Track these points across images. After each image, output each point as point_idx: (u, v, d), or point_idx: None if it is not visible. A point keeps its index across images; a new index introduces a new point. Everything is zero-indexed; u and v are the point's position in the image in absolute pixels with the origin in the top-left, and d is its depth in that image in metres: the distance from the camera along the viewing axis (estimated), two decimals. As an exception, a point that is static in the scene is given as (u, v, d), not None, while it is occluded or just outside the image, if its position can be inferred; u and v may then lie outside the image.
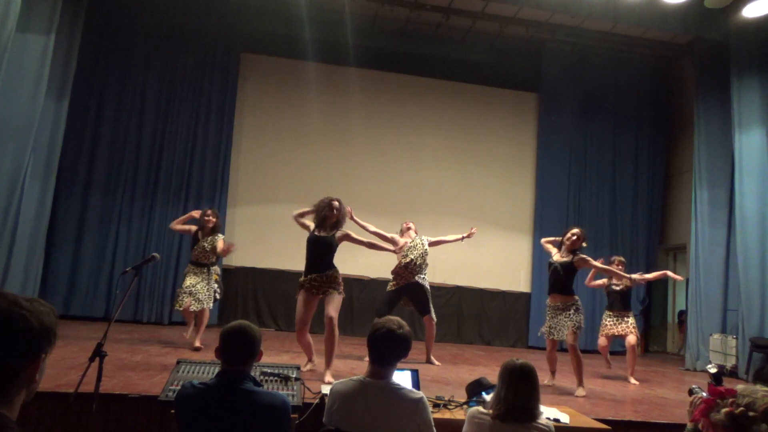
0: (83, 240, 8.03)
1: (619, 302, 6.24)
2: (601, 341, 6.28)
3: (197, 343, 5.71)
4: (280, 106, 9.09)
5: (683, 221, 9.15)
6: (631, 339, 6.02)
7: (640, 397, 5.00)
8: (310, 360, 4.91)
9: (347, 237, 4.80)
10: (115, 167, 8.26)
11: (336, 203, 4.77)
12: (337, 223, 4.79)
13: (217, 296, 6.01)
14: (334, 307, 4.66)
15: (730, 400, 1.38)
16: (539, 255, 9.21)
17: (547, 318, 5.18)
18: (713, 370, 3.83)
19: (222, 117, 8.64)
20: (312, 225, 4.82)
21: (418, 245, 6.09)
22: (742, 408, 1.34)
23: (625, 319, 6.17)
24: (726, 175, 7.94)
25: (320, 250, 4.73)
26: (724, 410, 1.36)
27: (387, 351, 2.39)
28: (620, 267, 6.16)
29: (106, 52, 8.33)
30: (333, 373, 4.47)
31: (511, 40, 9.42)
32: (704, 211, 8.15)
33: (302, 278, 4.78)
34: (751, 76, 7.44)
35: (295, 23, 8.41)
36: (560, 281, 5.05)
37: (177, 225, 6.11)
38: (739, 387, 1.45)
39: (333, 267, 4.79)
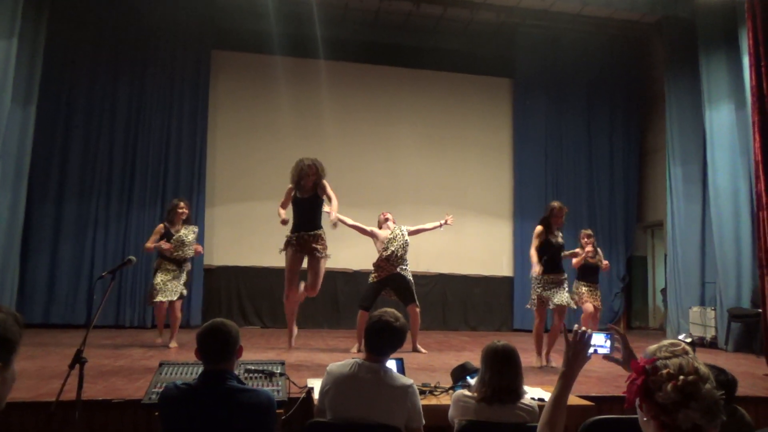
0: (60, 247, 7.90)
1: (593, 274, 6.54)
2: (588, 307, 6.29)
3: (173, 344, 5.71)
4: (254, 102, 9.02)
5: (659, 198, 9.29)
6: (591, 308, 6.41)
7: (623, 372, 5.07)
8: (291, 335, 5.05)
9: (324, 188, 5.23)
10: (88, 171, 8.12)
11: (309, 163, 5.14)
12: (317, 182, 5.11)
13: (184, 293, 5.91)
14: (319, 274, 5.14)
15: (665, 372, 1.31)
16: (521, 238, 9.29)
17: (548, 293, 5.31)
18: (687, 340, 3.92)
19: (195, 115, 8.53)
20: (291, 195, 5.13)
21: (398, 236, 6.07)
22: (682, 377, 1.29)
23: (597, 293, 6.51)
24: (698, 151, 8.07)
25: (307, 210, 5.05)
26: (668, 386, 1.29)
27: (383, 342, 2.47)
28: (587, 240, 6.38)
29: (72, 55, 8.16)
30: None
31: (483, 26, 9.43)
32: (679, 187, 8.29)
33: (289, 234, 5.05)
34: (719, 53, 7.55)
35: (264, 18, 8.32)
36: (560, 259, 5.47)
37: (150, 244, 5.93)
38: (649, 350, 1.40)
39: (320, 227, 5.11)
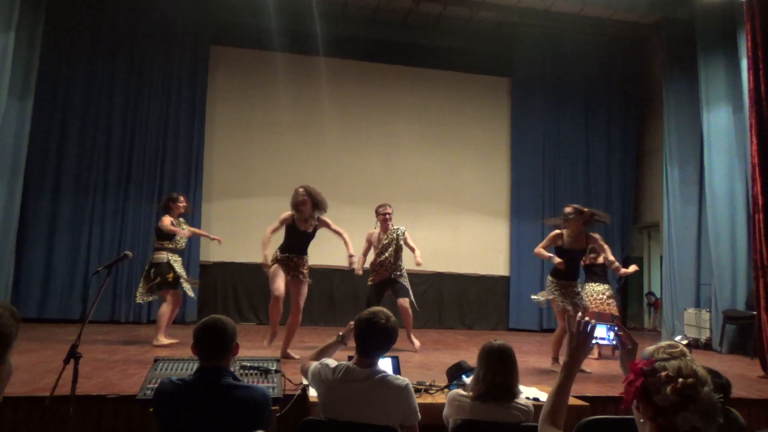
0: (55, 241, 7.87)
1: (598, 275, 6.37)
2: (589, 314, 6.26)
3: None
4: (252, 99, 8.99)
5: (656, 199, 9.31)
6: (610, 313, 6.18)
7: (617, 372, 5.09)
8: (274, 336, 5.32)
9: (325, 224, 5.34)
10: (85, 166, 8.09)
11: (301, 189, 5.17)
12: (315, 208, 5.19)
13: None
14: (303, 296, 5.26)
15: (663, 374, 1.32)
16: (517, 238, 9.31)
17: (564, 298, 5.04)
18: (683, 342, 3.94)
19: (193, 111, 8.51)
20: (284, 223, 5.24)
21: (392, 241, 5.95)
22: (681, 380, 1.29)
23: (602, 293, 6.30)
24: (695, 152, 8.08)
25: (301, 241, 5.25)
26: (667, 389, 1.30)
27: (374, 342, 2.42)
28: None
29: (70, 49, 8.12)
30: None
31: (482, 25, 9.42)
32: (675, 188, 8.30)
33: (278, 254, 5.20)
34: (717, 55, 7.56)
35: (263, 13, 8.29)
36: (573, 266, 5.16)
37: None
38: (647, 352, 1.41)
39: (306, 254, 5.30)
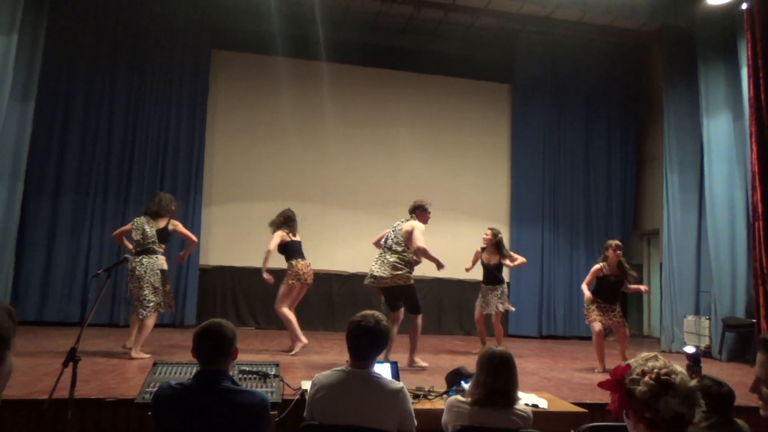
0: (55, 244, 7.87)
1: (608, 293, 5.81)
2: (595, 326, 5.66)
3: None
4: (253, 103, 9.01)
5: (656, 207, 9.31)
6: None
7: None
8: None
9: None
10: (85, 168, 8.09)
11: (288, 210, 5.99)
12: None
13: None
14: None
15: (639, 370, 1.44)
16: (517, 244, 9.28)
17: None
18: (690, 351, 3.93)
19: (194, 115, 8.52)
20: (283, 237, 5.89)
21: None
22: (656, 370, 1.42)
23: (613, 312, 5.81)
24: (695, 159, 8.10)
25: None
26: (645, 379, 1.41)
27: (365, 346, 2.44)
28: (618, 252, 5.77)
29: (72, 52, 8.13)
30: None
31: (483, 31, 9.45)
32: (675, 196, 8.31)
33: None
34: (717, 63, 7.59)
35: (265, 18, 8.32)
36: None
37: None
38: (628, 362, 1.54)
39: None
